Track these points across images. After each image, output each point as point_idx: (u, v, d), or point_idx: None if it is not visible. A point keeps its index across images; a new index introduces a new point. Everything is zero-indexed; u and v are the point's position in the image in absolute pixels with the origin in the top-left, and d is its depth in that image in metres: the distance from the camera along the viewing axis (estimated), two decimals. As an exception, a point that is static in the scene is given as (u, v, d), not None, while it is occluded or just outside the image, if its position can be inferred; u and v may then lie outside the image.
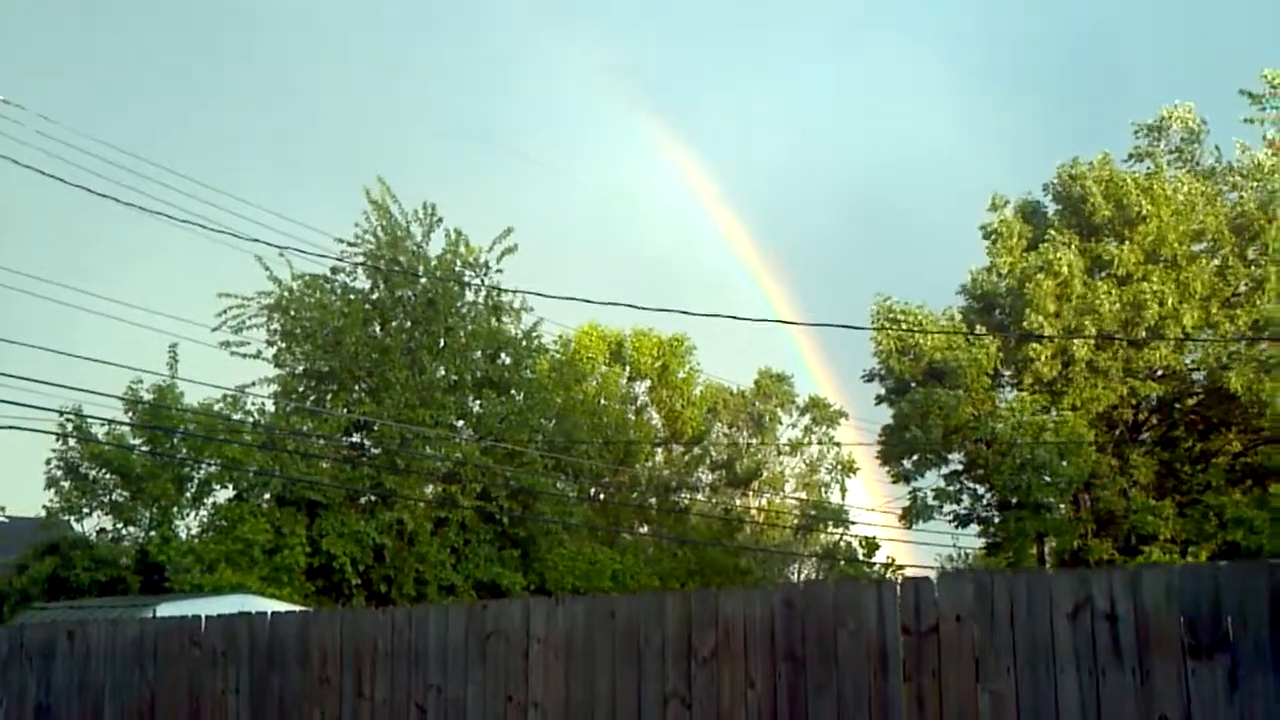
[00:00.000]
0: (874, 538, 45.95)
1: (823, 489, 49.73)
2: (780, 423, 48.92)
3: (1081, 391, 31.60)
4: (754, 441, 47.22)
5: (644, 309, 19.64)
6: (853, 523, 46.66)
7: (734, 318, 21.84)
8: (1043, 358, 31.59)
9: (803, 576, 49.12)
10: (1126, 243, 31.84)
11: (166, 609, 15.31)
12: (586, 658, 6.85)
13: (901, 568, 51.41)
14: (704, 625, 6.39)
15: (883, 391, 34.31)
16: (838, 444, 49.17)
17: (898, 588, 5.81)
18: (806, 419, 49.40)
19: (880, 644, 5.79)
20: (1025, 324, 31.47)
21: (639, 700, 6.56)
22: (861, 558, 46.34)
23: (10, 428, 17.63)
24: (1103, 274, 32.53)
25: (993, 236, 33.34)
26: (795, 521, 46.56)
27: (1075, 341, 31.38)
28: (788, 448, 48.55)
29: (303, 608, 16.65)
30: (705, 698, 6.32)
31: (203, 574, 21.67)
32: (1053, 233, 32.43)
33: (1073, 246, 32.59)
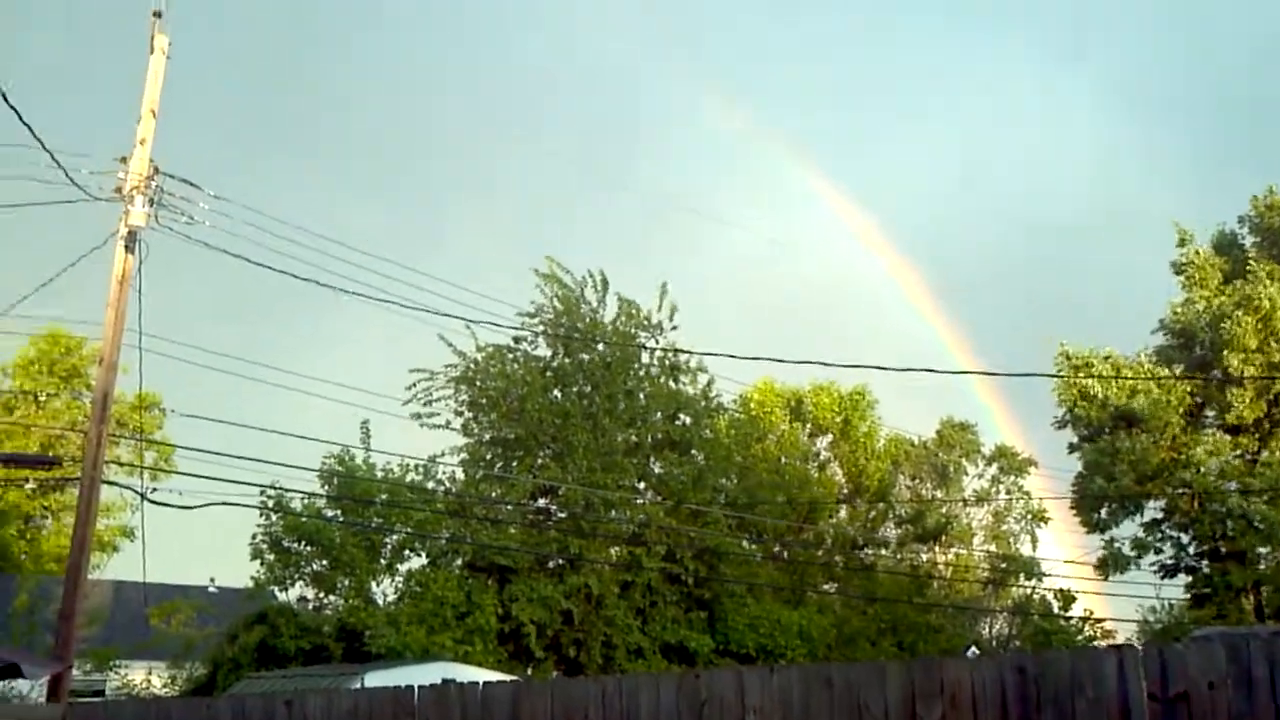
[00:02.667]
0: (1070, 590, 44.06)
1: (1012, 540, 48.01)
2: (966, 473, 47.53)
3: (1291, 433, 29.89)
4: (938, 494, 45.98)
5: (825, 364, 19.33)
6: (1045, 575, 44.85)
7: (913, 369, 21.36)
8: (1244, 399, 29.98)
9: (995, 631, 47.37)
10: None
11: (374, 678, 15.70)
12: (803, 727, 6.68)
13: (1100, 621, 49.15)
14: (929, 694, 6.17)
15: (1074, 439, 33.00)
16: (1026, 494, 47.51)
17: (1140, 653, 5.50)
18: (993, 469, 47.89)
19: (1123, 712, 5.48)
20: (1224, 363, 29.96)
21: (862, 771, 6.36)
22: (1057, 611, 44.47)
23: (219, 504, 18.44)
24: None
25: (1185, 271, 31.90)
26: (985, 575, 44.99)
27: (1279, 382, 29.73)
28: (974, 499, 47.12)
29: (510, 677, 16.87)
30: (933, 768, 6.08)
31: (398, 637, 22.20)
32: (1252, 264, 30.85)
33: (1275, 279, 30.96)
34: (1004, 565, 45.15)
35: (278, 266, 18.31)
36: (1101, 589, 40.89)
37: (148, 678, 27.79)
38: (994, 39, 74.67)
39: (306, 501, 24.30)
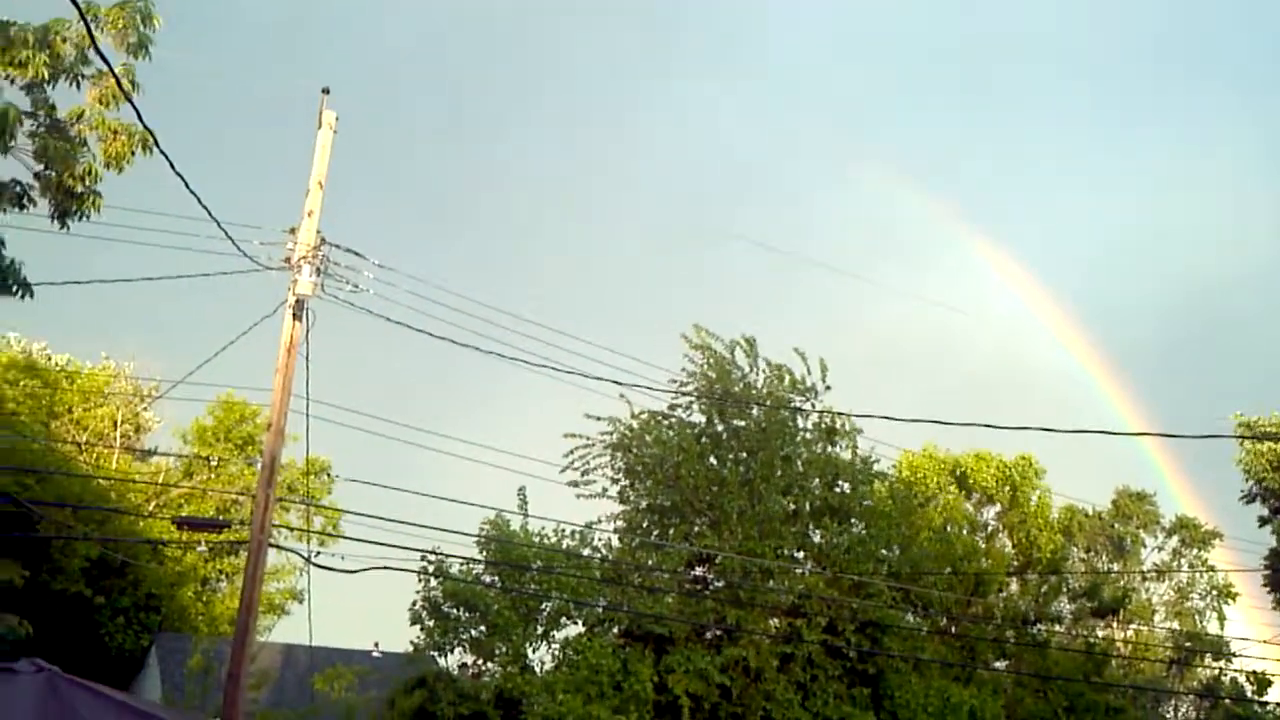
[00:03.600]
0: (1264, 673, 41.30)
1: (1197, 618, 45.44)
2: (1144, 545, 45.30)
3: None
4: (1114, 567, 43.85)
5: (988, 426, 18.57)
6: (1235, 655, 42.23)
7: (1083, 430, 20.39)
8: None
9: (1180, 715, 44.69)
10: None
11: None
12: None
13: (1299, 708, 45.85)
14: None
15: (1265, 512, 31.02)
16: (1212, 568, 44.95)
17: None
18: (1174, 540, 45.54)
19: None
20: None
21: None
22: (1250, 695, 41.74)
23: (382, 567, 18.66)
24: None
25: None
26: (1168, 654, 42.54)
27: None
28: (1154, 571, 44.80)
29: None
30: None
31: (554, 705, 22.02)
32: None
33: None
34: (1189, 644, 42.75)
35: (437, 333, 18.60)
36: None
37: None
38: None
39: (464, 566, 24.48)
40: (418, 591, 24.66)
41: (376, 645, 40.04)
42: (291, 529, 24.79)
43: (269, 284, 18.12)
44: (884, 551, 29.01)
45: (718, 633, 26.35)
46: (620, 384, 22.59)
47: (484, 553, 24.91)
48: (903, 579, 28.80)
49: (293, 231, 18.26)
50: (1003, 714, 28.46)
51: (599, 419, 27.88)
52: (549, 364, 18.98)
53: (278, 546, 20.96)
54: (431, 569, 24.11)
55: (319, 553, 19.90)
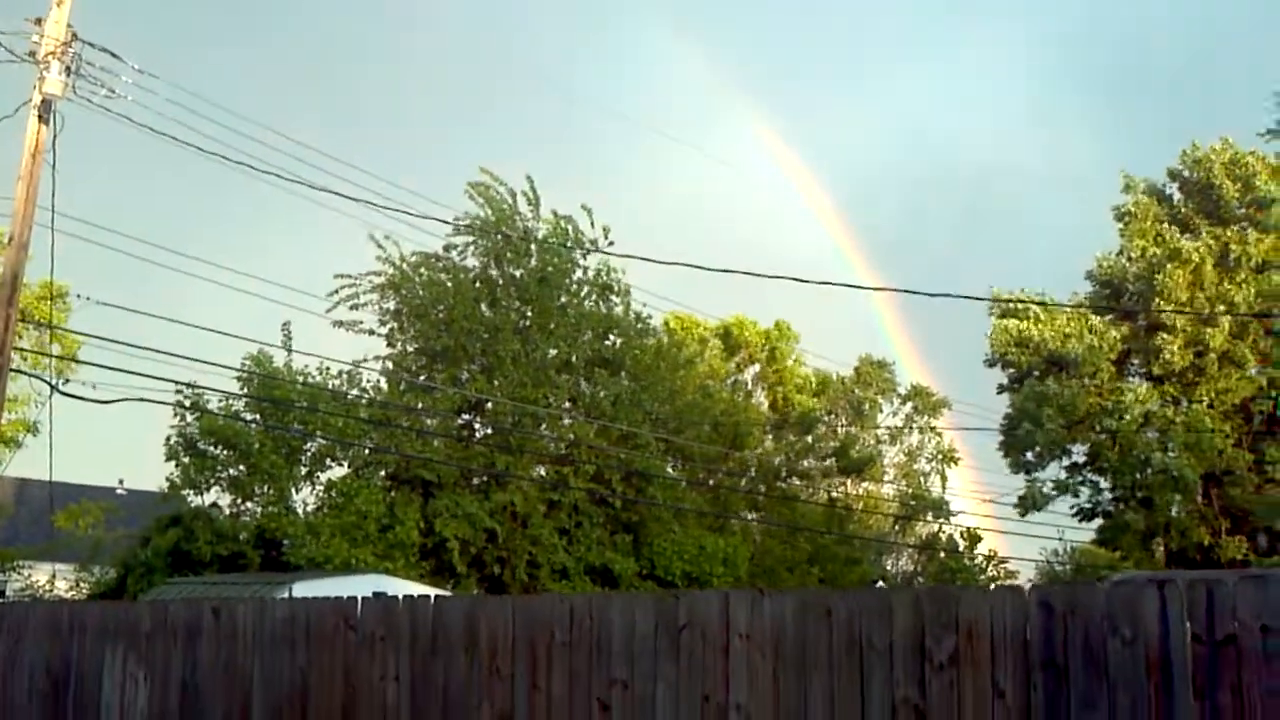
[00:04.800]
0: (975, 529, 44.81)
1: (923, 478, 48.66)
2: (881, 410, 47.90)
3: (1215, 383, 30.21)
4: (853, 429, 46.21)
5: (753, 275, 18.70)
6: (954, 514, 45.54)
7: (839, 284, 21.01)
8: (1174, 347, 30.23)
9: (899, 567, 48.13)
10: (1255, 228, 30.34)
11: (303, 588, 15.02)
12: (797, 658, 6.21)
13: (1004, 561, 50.19)
14: (940, 627, 5.72)
15: (1005, 380, 33.12)
16: (937, 433, 48.00)
17: (1183, 591, 5.08)
18: (908, 406, 48.34)
19: (1163, 655, 5.07)
20: (1153, 314, 30.19)
21: (863, 706, 5.92)
22: (962, 550, 45.30)
23: (134, 399, 17.47)
24: (1232, 261, 31.06)
25: (1126, 219, 31.94)
26: (899, 511, 45.53)
27: (1209, 331, 29.99)
28: (888, 434, 47.46)
29: (441, 591, 16.30)
30: (943, 706, 5.65)
31: (319, 548, 21.51)
32: (1165, 222, 31.09)
33: (1202, 233, 31.20)
34: (914, 503, 45.76)
35: (205, 149, 17.22)
36: (1006, 529, 41.66)
37: (51, 580, 26.76)
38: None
39: (224, 403, 23.32)
40: (173, 427, 23.39)
41: (121, 483, 38.17)
42: (29, 352, 22.78)
43: (8, 84, 16.31)
44: (651, 404, 29.46)
45: (485, 478, 26.26)
46: (406, 213, 21.66)
47: (245, 388, 23.75)
48: (667, 432, 29.42)
49: (39, 23, 16.39)
50: (748, 560, 29.69)
51: (380, 247, 26.83)
52: (329, 190, 17.83)
53: (19, 372, 19.27)
54: (189, 403, 22.87)
55: (66, 380, 18.48)
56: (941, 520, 45.85)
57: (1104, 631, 5.25)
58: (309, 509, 23.95)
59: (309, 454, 24.24)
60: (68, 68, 16.31)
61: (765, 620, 6.37)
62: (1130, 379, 32.38)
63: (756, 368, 41.04)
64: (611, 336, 29.99)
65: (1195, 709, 4.98)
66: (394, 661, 8.28)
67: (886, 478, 47.07)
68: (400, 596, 8.55)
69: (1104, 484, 32.14)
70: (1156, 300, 29.95)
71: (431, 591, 14.96)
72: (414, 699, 8.10)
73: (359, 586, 13.16)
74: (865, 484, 45.41)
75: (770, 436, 39.89)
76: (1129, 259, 32.10)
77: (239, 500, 23.60)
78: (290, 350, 24.43)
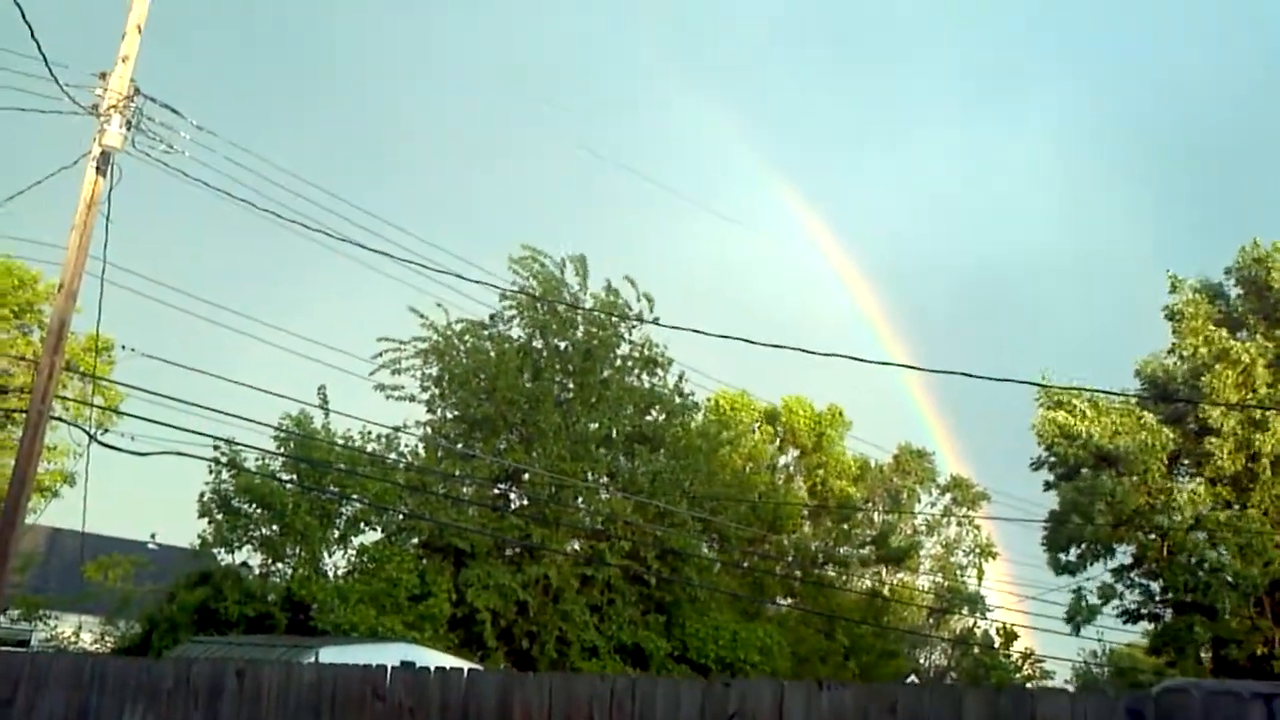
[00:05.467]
0: (1011, 626, 43.80)
1: (959, 571, 47.72)
2: (919, 500, 47.13)
3: (1270, 488, 29.39)
4: (889, 517, 45.42)
5: (803, 351, 18.18)
6: (990, 609, 44.54)
7: (896, 365, 20.56)
8: (1224, 450, 29.48)
9: (931, 662, 47.02)
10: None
11: (329, 654, 14.64)
12: (856, 755, 5.78)
13: (1041, 660, 48.91)
14: (1015, 730, 5.28)
15: (1050, 478, 32.40)
16: (976, 525, 47.08)
17: (1296, 705, 4.63)
18: (947, 498, 47.53)
19: (1268, 775, 4.62)
20: (1202, 415, 29.51)
21: (927, 813, 5.47)
22: (997, 646, 44.25)
23: (172, 452, 17.28)
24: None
25: (1176, 318, 31.38)
26: (937, 604, 44.59)
27: (1260, 436, 29.25)
28: (925, 524, 46.57)
29: (469, 664, 15.86)
30: (1017, 819, 5.20)
31: (348, 614, 21.12)
32: (1214, 326, 30.49)
33: (1257, 332, 30.59)
34: (950, 595, 44.82)
35: (259, 205, 17.21)
36: (1043, 627, 40.65)
37: (77, 632, 26.50)
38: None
39: (261, 461, 23.11)
40: (207, 483, 23.21)
41: (153, 537, 38.00)
42: (69, 400, 22.74)
43: (63, 137, 16.39)
44: (689, 483, 29.01)
45: (519, 550, 25.85)
46: (456, 275, 21.54)
47: (282, 448, 23.57)
48: (704, 512, 28.92)
49: (103, 77, 16.51)
50: (788, 648, 28.97)
51: (422, 317, 26.81)
52: (379, 251, 17.75)
53: (60, 419, 19.18)
54: (225, 459, 22.70)
55: (105, 431, 18.35)
56: (977, 615, 44.84)
57: (1201, 746, 4.80)
58: (339, 573, 23.62)
59: (343, 517, 23.95)
60: (128, 121, 16.39)
61: (824, 713, 5.95)
62: (1181, 479, 31.61)
63: (798, 452, 40.48)
64: (653, 412, 29.66)
65: (1306, 840, 4.51)
66: (422, 736, 7.89)
67: (923, 569, 46.20)
68: (432, 668, 8.18)
69: (1153, 586, 31.22)
70: (1202, 400, 29.29)
71: (461, 664, 14.54)
72: (442, 776, 7.70)
73: (387, 655, 12.79)
74: (901, 575, 44.56)
75: (808, 522, 39.24)
76: (1180, 357, 31.50)
77: (269, 560, 23.31)
78: (327, 411, 24.30)
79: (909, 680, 36.64)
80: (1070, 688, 45.68)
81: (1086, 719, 5.13)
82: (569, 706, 7.12)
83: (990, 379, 18.25)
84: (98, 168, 16.30)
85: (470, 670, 8.07)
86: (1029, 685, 32.70)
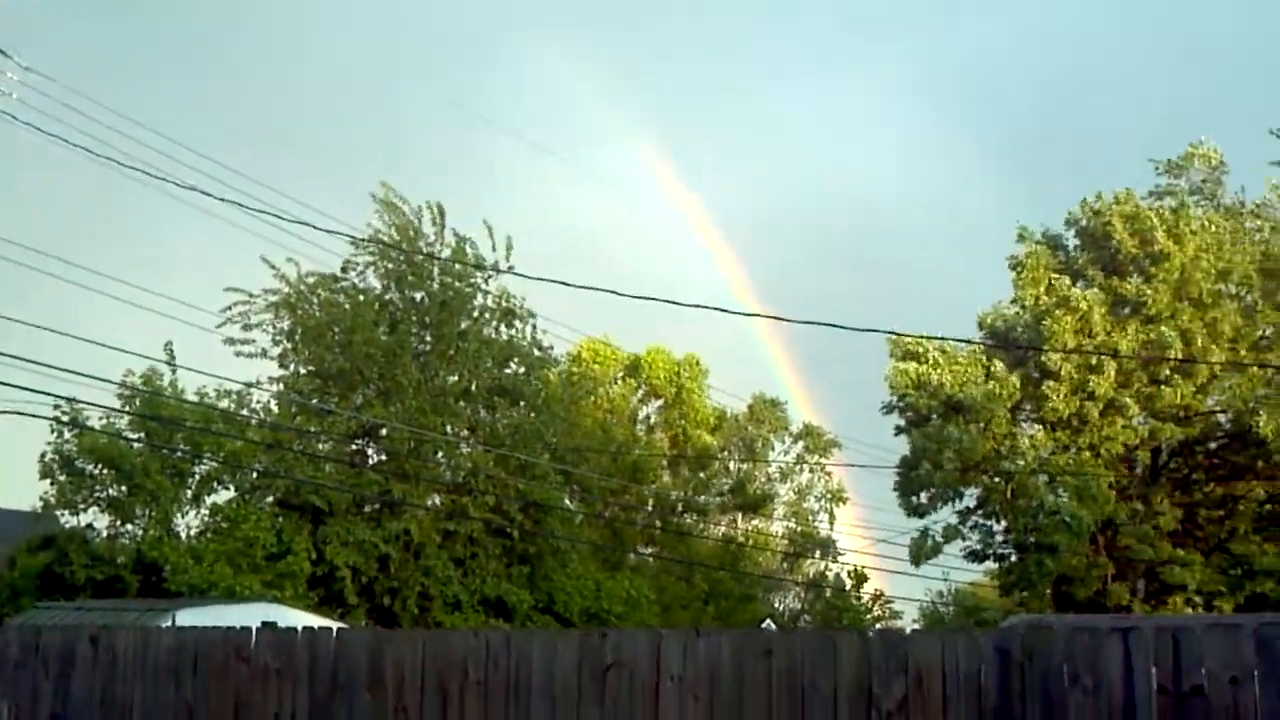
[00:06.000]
0: (861, 568, 45.19)
1: (811, 517, 48.91)
2: (773, 448, 48.05)
3: (1099, 430, 30.79)
4: (744, 465, 46.28)
5: (679, 303, 18.21)
6: (841, 553, 45.83)
7: (762, 316, 20.88)
8: (1060, 394, 30.74)
9: (785, 606, 48.31)
10: (1152, 281, 31.10)
11: (187, 616, 14.22)
12: (733, 701, 5.87)
13: (890, 601, 50.66)
14: (889, 672, 5.43)
15: (901, 423, 33.39)
16: (827, 472, 48.25)
17: (1151, 639, 4.87)
18: (799, 446, 48.53)
19: (1126, 705, 4.85)
20: (1043, 361, 30.73)
21: (803, 755, 5.59)
22: (848, 589, 45.67)
23: (13, 412, 16.51)
24: (1126, 311, 31.83)
25: (1019, 268, 32.52)
26: (791, 549, 45.70)
27: (1094, 379, 30.58)
28: (779, 472, 47.52)
29: (333, 622, 15.61)
30: (890, 756, 5.36)
31: (202, 574, 20.55)
32: (1059, 272, 31.78)
33: (1095, 283, 31.91)
34: (803, 541, 45.96)
35: (97, 153, 16.42)
36: (892, 569, 42.13)
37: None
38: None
39: (105, 420, 22.20)
40: (49, 443, 22.19)
41: (-12, 500, 36.34)
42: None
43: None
44: (551, 436, 28.96)
45: (378, 507, 25.50)
46: (309, 225, 20.95)
47: (128, 405, 22.68)
48: (566, 464, 28.94)
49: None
50: (653, 598, 29.33)
51: (273, 268, 26.04)
52: (229, 201, 17.13)
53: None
54: (67, 418, 21.73)
55: (-66, 391, 17.38)
56: (829, 559, 46.08)
57: (1064, 680, 5.01)
58: (192, 533, 22.94)
59: (196, 477, 23.22)
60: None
61: (700, 661, 6.02)
62: (1024, 424, 32.88)
63: (660, 402, 40.81)
64: (513, 365, 29.45)
65: (1160, 763, 4.76)
66: (290, 697, 7.71)
67: (777, 515, 47.22)
68: (300, 628, 8.01)
69: (996, 528, 32.52)
70: (1046, 345, 30.47)
71: (323, 622, 14.28)
72: (312, 738, 7.55)
73: (248, 615, 12.47)
74: (755, 521, 45.49)
75: (668, 471, 39.68)
76: (1022, 307, 32.65)
77: (118, 522, 22.49)
78: (174, 367, 23.44)
79: (765, 624, 37.52)
80: (918, 626, 47.52)
81: (957, 658, 5.30)
82: (443, 664, 7.06)
83: (847, 328, 18.66)
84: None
85: (339, 629, 7.93)
86: (901, 629, 33.76)
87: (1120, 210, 31.71)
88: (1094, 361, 30.77)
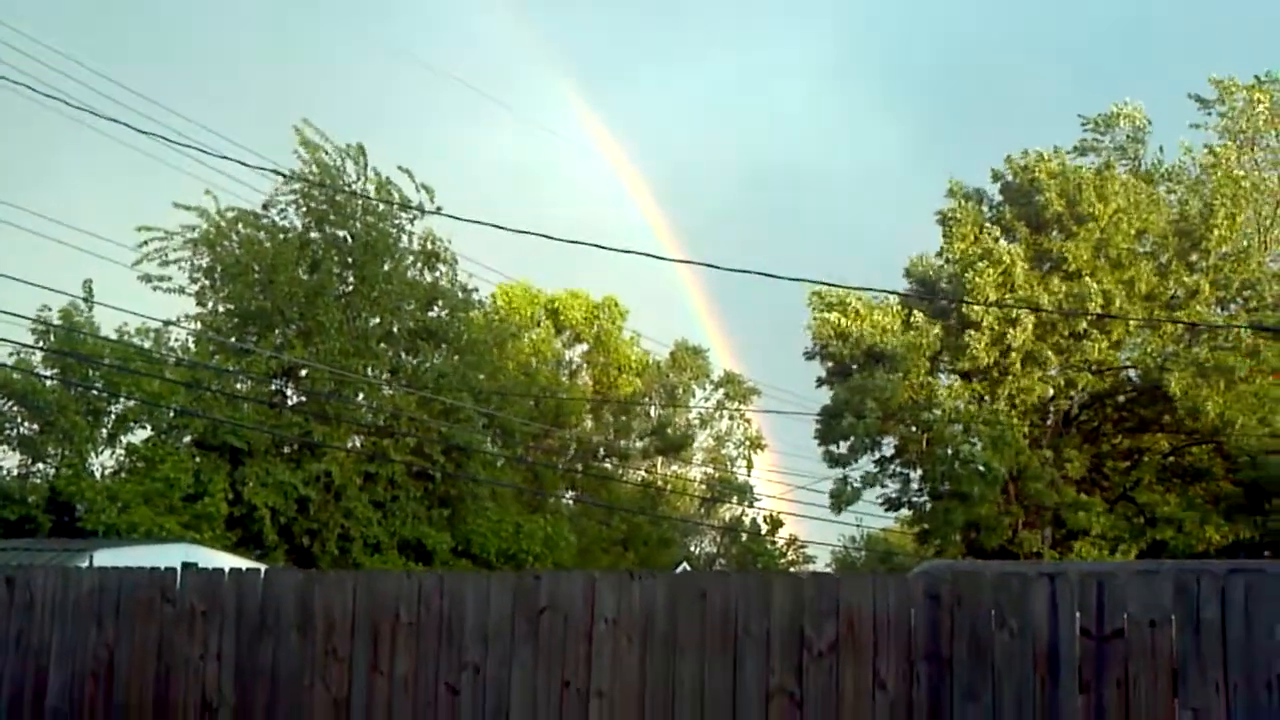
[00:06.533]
0: (777, 514, 45.91)
1: (730, 464, 49.48)
2: (694, 394, 48.44)
3: (1018, 380, 31.44)
4: (664, 411, 46.57)
5: (606, 248, 18.02)
6: (758, 499, 46.43)
7: (695, 263, 20.93)
8: (980, 344, 31.27)
9: (701, 550, 48.98)
10: (1073, 238, 31.67)
11: (105, 557, 13.96)
12: (667, 644, 5.94)
13: (804, 545, 51.56)
14: (821, 614, 5.54)
15: (823, 373, 33.78)
16: (746, 419, 48.75)
17: (1075, 584, 5.02)
18: (720, 393, 48.95)
19: (1051, 649, 5.00)
20: (965, 313, 31.22)
21: (735, 693, 5.69)
22: (764, 534, 46.38)
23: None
24: (1047, 267, 32.41)
25: (948, 222, 32.93)
26: (709, 495, 46.23)
27: (1013, 330, 31.17)
28: (699, 418, 47.88)
29: (254, 564, 15.44)
30: (821, 696, 5.48)
31: (119, 515, 20.19)
32: (988, 225, 32.26)
33: (1019, 238, 32.41)
34: (720, 486, 46.51)
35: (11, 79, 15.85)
36: (807, 514, 42.88)
37: None
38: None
39: (16, 355, 21.58)
40: (-41, 378, 21.51)
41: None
42: None
43: None
44: (475, 379, 28.83)
45: (298, 448, 25.24)
46: (233, 160, 20.49)
47: (41, 341, 22.09)
48: (489, 407, 28.85)
49: None
50: (573, 540, 29.49)
51: (187, 209, 25.49)
52: (151, 134, 16.66)
53: None
54: (-25, 353, 21.10)
55: None
56: (745, 505, 46.68)
57: (991, 624, 5.15)
58: (107, 473, 22.49)
59: (112, 416, 22.72)
60: None
61: (635, 604, 6.08)
62: (941, 375, 33.44)
63: (584, 347, 40.82)
64: (436, 308, 29.25)
65: (1081, 702, 4.91)
66: (216, 639, 7.67)
67: (696, 461, 47.68)
68: (225, 569, 7.92)
69: (913, 476, 33.13)
70: (967, 297, 30.94)
71: (243, 564, 14.15)
72: (238, 679, 7.51)
73: (167, 556, 12.32)
74: (675, 466, 45.90)
75: (590, 416, 39.77)
76: (947, 260, 33.10)
77: (29, 461, 21.97)
78: (91, 304, 22.86)
79: (681, 567, 37.97)
80: (829, 570, 48.47)
81: (889, 602, 5.42)
82: (374, 607, 7.04)
83: (772, 276, 18.76)
84: None
85: (267, 570, 7.86)
86: (833, 573, 34.32)
87: (1047, 167, 32.17)
88: (1013, 315, 31.33)
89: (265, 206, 27.12)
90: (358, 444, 26.42)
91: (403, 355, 28.27)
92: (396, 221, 28.05)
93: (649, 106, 73.85)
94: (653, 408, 44.72)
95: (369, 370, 26.28)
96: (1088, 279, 30.19)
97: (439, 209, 27.04)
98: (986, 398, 31.83)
